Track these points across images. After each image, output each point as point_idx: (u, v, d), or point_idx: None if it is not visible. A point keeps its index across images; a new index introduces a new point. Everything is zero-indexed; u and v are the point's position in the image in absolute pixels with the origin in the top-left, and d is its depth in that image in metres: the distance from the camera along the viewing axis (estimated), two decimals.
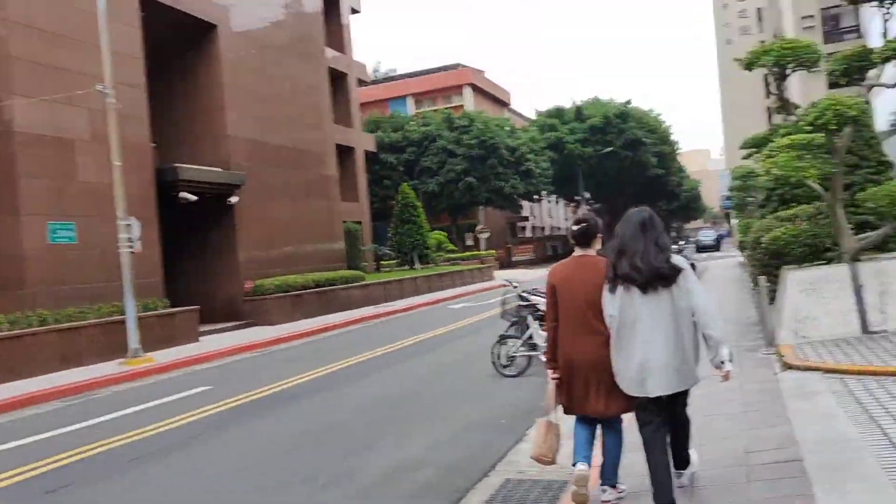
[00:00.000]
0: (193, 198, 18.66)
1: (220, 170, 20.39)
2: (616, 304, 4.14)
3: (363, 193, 36.24)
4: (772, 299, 10.17)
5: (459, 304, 23.31)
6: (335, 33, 34.94)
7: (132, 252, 14.46)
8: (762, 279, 9.16)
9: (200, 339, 17.42)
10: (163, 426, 8.37)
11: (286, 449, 7.01)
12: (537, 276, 32.43)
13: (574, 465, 4.35)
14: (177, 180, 18.76)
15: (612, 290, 4.17)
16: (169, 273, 19.13)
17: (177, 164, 19.07)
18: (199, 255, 21.04)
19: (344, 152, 34.23)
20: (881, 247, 10.15)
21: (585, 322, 4.29)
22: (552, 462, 4.54)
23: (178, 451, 7.32)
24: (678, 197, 76.58)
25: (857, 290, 8.60)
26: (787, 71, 8.95)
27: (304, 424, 7.98)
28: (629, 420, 4.37)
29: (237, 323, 20.03)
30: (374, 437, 7.08)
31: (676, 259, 4.14)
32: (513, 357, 9.58)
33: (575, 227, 4.46)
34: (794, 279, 8.89)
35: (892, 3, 8.54)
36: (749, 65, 9.07)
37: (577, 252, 4.50)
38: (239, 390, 10.33)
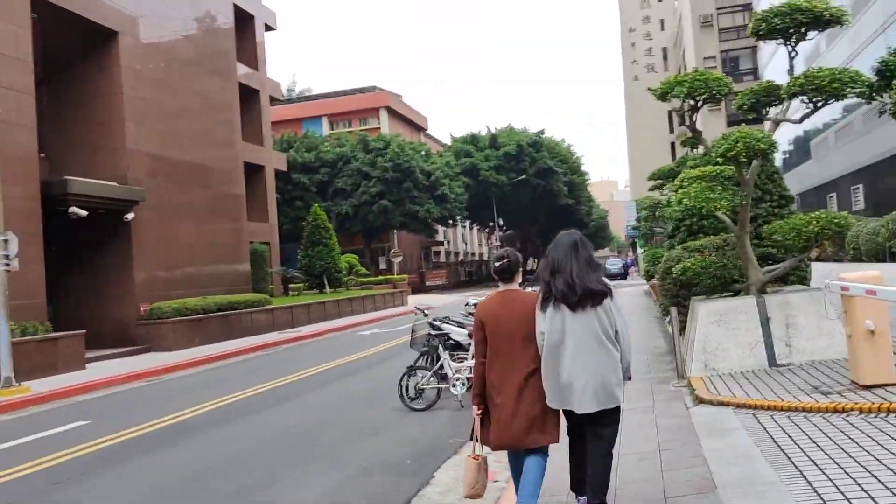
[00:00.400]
0: (84, 213, 17.38)
1: (115, 184, 19.13)
2: (546, 322, 4.25)
3: (273, 214, 35.12)
4: (681, 329, 10.18)
5: (369, 331, 22.69)
6: (248, 49, 33.97)
7: (8, 270, 13.20)
8: (673, 310, 9.10)
9: (88, 366, 16.13)
10: (25, 469, 7.42)
11: (167, 495, 6.28)
12: (450, 302, 32.18)
13: None
14: (66, 194, 17.44)
15: (544, 308, 4.28)
16: (56, 294, 17.73)
17: (67, 177, 17.76)
18: (90, 276, 19.61)
19: (254, 171, 33.13)
20: (784, 279, 10.36)
21: (516, 356, 4.35)
22: (482, 496, 4.54)
23: (37, 501, 6.44)
24: (587, 226, 78.45)
25: (765, 323, 8.65)
26: (699, 103, 9.01)
27: (190, 465, 7.24)
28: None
29: (130, 349, 18.72)
30: (269, 481, 6.45)
31: (605, 279, 4.30)
32: (422, 389, 9.12)
33: (497, 264, 4.53)
34: (705, 310, 8.85)
35: (797, 41, 8.72)
36: (663, 95, 9.08)
37: (502, 287, 4.55)
38: (122, 425, 9.42)
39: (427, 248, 68.86)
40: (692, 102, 9.04)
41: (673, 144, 71.25)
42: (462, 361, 9.37)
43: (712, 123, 48.04)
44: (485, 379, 4.42)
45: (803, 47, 9.09)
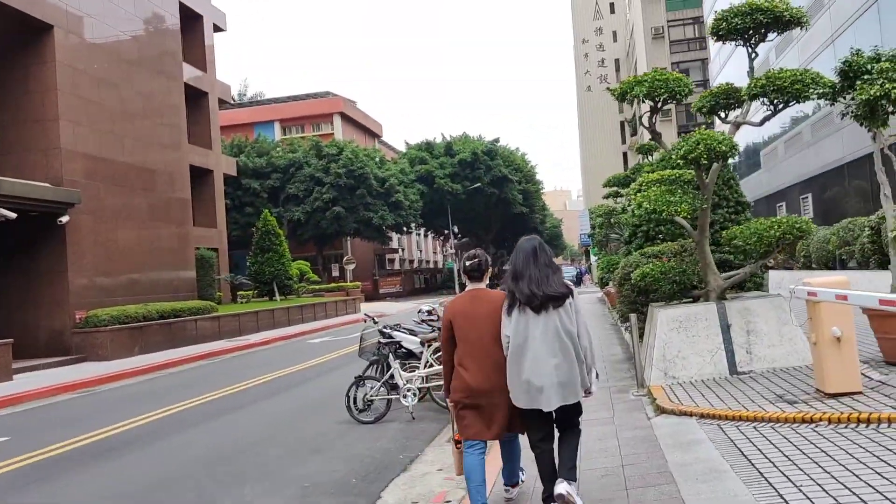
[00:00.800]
0: (12, 215, 16.36)
1: (48, 185, 18.13)
2: (511, 326, 4.41)
3: (221, 219, 34.09)
4: (639, 336, 9.91)
5: (320, 339, 22.03)
6: (196, 51, 33.01)
7: None
8: (633, 317, 8.80)
9: (15, 377, 15.16)
10: None
11: None
12: (404, 310, 31.65)
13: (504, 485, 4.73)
14: None
15: (509, 312, 4.44)
16: None
17: None
18: (22, 281, 18.54)
19: (201, 175, 32.12)
20: (741, 286, 10.18)
21: (485, 352, 4.51)
22: None
23: None
24: (541, 234, 78.81)
25: (725, 329, 8.41)
26: (659, 103, 8.76)
27: (119, 485, 6.60)
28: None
29: (64, 358, 17.72)
30: None
31: (567, 282, 4.50)
32: (370, 401, 8.62)
33: (468, 263, 4.71)
34: (664, 317, 8.58)
35: (757, 43, 8.55)
36: (622, 95, 8.81)
37: (470, 286, 4.74)
38: (46, 441, 8.69)
39: (381, 256, 68.19)
40: (651, 103, 8.79)
41: (625, 154, 72.19)
42: (414, 371, 8.91)
43: (663, 133, 48.68)
44: (452, 376, 4.60)
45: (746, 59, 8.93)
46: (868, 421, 5.54)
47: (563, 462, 4.41)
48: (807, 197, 24.94)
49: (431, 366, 8.93)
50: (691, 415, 6.68)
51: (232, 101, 64.44)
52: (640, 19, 57.92)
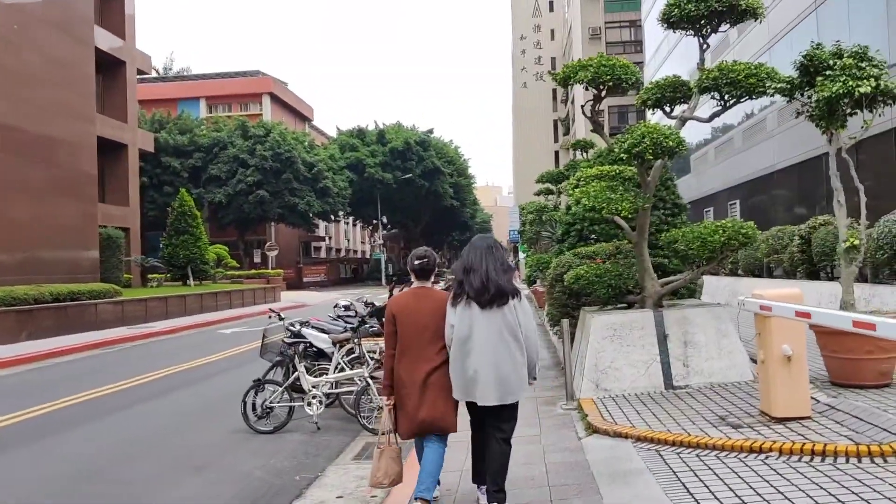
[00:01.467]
0: None
1: None
2: (456, 317, 4.47)
3: (134, 197, 32.07)
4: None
5: (231, 329, 20.67)
6: (115, 17, 30.91)
7: None
8: (565, 323, 8.09)
9: None
10: None
11: None
12: (328, 300, 30.36)
13: (415, 499, 4.42)
14: None
15: (455, 305, 4.50)
16: None
17: None
18: None
19: (114, 149, 30.06)
20: (675, 292, 9.62)
21: (425, 348, 4.56)
22: (393, 484, 4.71)
23: None
24: (471, 228, 78.46)
25: (662, 340, 7.80)
26: (603, 91, 8.07)
27: None
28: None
29: None
30: None
31: (514, 282, 4.55)
32: (270, 408, 7.62)
33: (417, 262, 4.78)
34: (598, 324, 7.91)
35: (709, 32, 7.95)
36: (565, 80, 8.07)
37: (417, 284, 4.82)
38: None
39: (307, 243, 66.42)
40: (595, 91, 8.09)
41: (557, 154, 72.53)
42: (324, 374, 7.96)
43: (593, 138, 48.87)
44: (393, 371, 4.60)
45: (688, 55, 8.37)
46: (823, 454, 4.95)
47: (492, 480, 4.40)
48: (735, 203, 25.08)
49: (343, 370, 8.00)
50: (627, 437, 5.99)
51: (157, 74, 61.44)
52: (578, 19, 58.06)
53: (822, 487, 4.34)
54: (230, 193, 47.04)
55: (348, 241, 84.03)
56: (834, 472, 4.62)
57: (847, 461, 4.82)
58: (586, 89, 8.11)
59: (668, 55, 32.93)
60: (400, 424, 4.60)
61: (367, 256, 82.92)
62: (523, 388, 4.45)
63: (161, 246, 31.75)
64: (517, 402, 4.50)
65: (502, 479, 4.43)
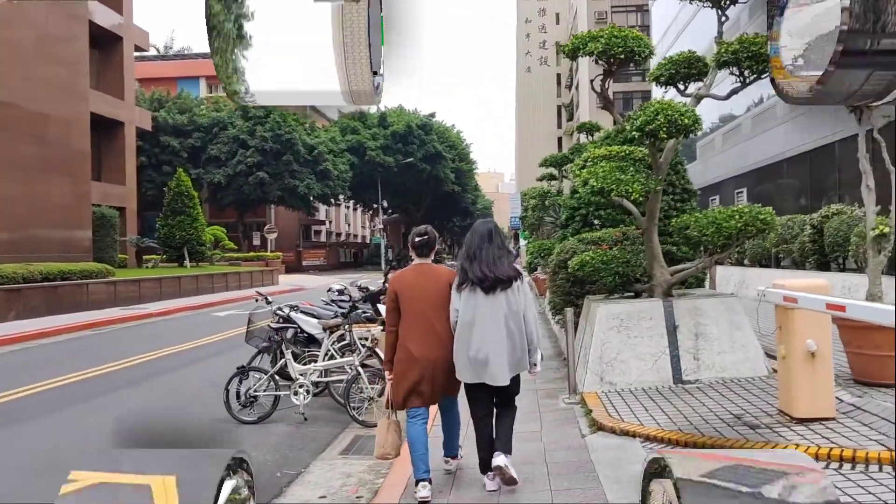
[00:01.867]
0: None
1: None
2: (461, 302, 4.60)
3: (131, 176, 31.58)
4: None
5: (226, 312, 20.26)
6: None
7: None
8: (569, 312, 7.64)
9: None
10: None
11: None
12: (326, 284, 29.87)
13: (417, 483, 4.52)
14: None
15: (459, 290, 4.64)
16: None
17: None
18: None
19: (110, 126, 29.52)
20: (683, 281, 9.16)
21: (428, 323, 4.65)
22: (396, 456, 4.86)
23: None
24: (472, 214, 77.99)
25: (672, 331, 7.35)
26: (614, 66, 7.57)
27: None
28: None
29: None
30: None
31: (516, 266, 4.70)
32: (254, 397, 7.18)
33: (417, 239, 4.86)
34: (604, 313, 7.46)
35: (728, 4, 7.44)
36: (573, 52, 7.58)
37: (417, 261, 4.88)
38: None
39: (307, 227, 65.93)
40: (605, 65, 7.58)
41: (560, 140, 71.88)
42: (313, 361, 7.51)
43: (601, 118, 48.22)
44: (396, 346, 4.70)
45: (698, 40, 7.84)
46: (853, 460, 4.51)
47: (500, 436, 4.66)
48: (742, 192, 24.55)
49: (333, 357, 7.56)
50: (634, 435, 5.57)
51: (156, 52, 60.70)
52: (584, 2, 57.22)
53: (855, 499, 3.90)
54: (230, 174, 46.50)
55: (349, 225, 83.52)
56: (867, 481, 4.19)
57: (880, 469, 4.38)
58: (596, 62, 7.59)
59: (677, 39, 32.25)
60: (399, 396, 4.66)
61: (368, 241, 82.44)
62: (525, 366, 4.64)
63: (157, 226, 31.29)
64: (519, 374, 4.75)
65: (509, 434, 4.71)
